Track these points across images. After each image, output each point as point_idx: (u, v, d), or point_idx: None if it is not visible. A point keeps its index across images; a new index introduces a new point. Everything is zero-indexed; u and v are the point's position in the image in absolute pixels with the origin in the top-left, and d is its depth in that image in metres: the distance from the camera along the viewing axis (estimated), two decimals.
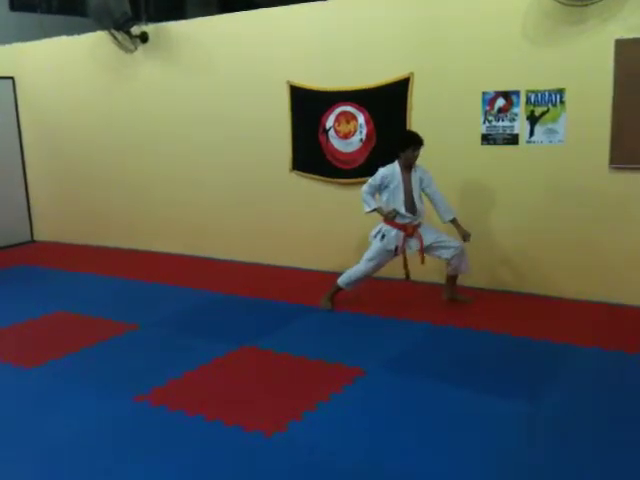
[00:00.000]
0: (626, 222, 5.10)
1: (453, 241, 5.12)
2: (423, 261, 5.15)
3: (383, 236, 5.08)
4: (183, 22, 7.04)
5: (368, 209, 5.08)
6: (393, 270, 5.46)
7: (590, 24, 4.96)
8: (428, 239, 5.09)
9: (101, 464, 3.13)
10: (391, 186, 5.02)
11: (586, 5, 4.88)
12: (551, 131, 5.24)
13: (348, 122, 6.07)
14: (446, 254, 5.12)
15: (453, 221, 5.13)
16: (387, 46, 5.79)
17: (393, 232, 5.06)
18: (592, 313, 5.08)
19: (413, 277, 5.32)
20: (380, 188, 5.07)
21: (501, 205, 5.55)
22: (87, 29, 7.44)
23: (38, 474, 3.09)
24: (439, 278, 5.53)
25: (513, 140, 5.39)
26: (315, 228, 6.47)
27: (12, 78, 8.30)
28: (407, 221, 5.06)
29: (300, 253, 6.62)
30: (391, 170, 5.05)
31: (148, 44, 7.08)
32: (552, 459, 3.05)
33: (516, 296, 5.52)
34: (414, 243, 5.10)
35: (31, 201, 8.65)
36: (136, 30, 7.04)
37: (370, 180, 5.09)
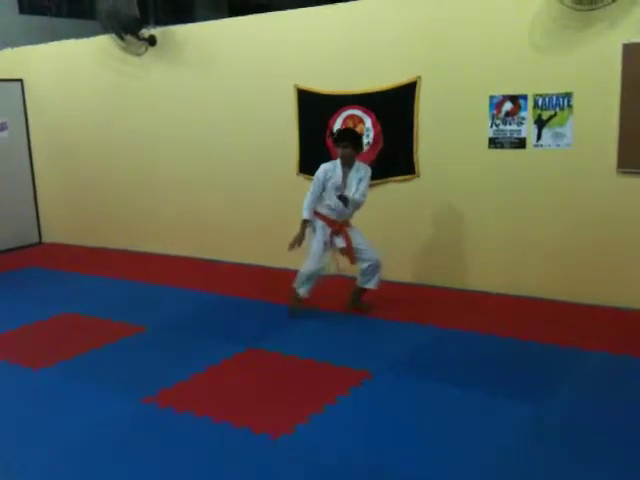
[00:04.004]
0: (634, 225, 5.08)
1: (372, 253, 5.10)
2: (353, 261, 5.12)
3: (315, 229, 5.13)
4: (191, 25, 7.07)
5: (305, 216, 5.06)
6: (400, 273, 5.46)
7: (597, 28, 4.96)
8: (353, 242, 5.08)
9: (108, 465, 3.15)
10: (330, 182, 5.02)
11: (593, 9, 4.88)
12: (559, 135, 5.24)
13: (355, 125, 6.07)
14: (362, 265, 5.11)
15: (343, 199, 4.95)
16: (394, 50, 5.79)
17: (320, 224, 5.10)
18: (600, 317, 5.07)
19: (418, 281, 5.29)
20: (325, 183, 5.02)
21: (508, 209, 5.54)
22: (96, 32, 7.48)
23: (46, 474, 3.11)
24: (442, 281, 5.51)
25: (520, 144, 5.39)
26: None
27: (21, 80, 8.35)
28: (335, 217, 5.07)
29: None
30: (332, 166, 5.07)
31: (156, 47, 7.10)
32: (558, 463, 3.05)
33: (523, 300, 5.50)
34: (339, 241, 5.10)
35: (39, 203, 8.69)
36: (144, 33, 7.07)
37: (314, 179, 5.07)
